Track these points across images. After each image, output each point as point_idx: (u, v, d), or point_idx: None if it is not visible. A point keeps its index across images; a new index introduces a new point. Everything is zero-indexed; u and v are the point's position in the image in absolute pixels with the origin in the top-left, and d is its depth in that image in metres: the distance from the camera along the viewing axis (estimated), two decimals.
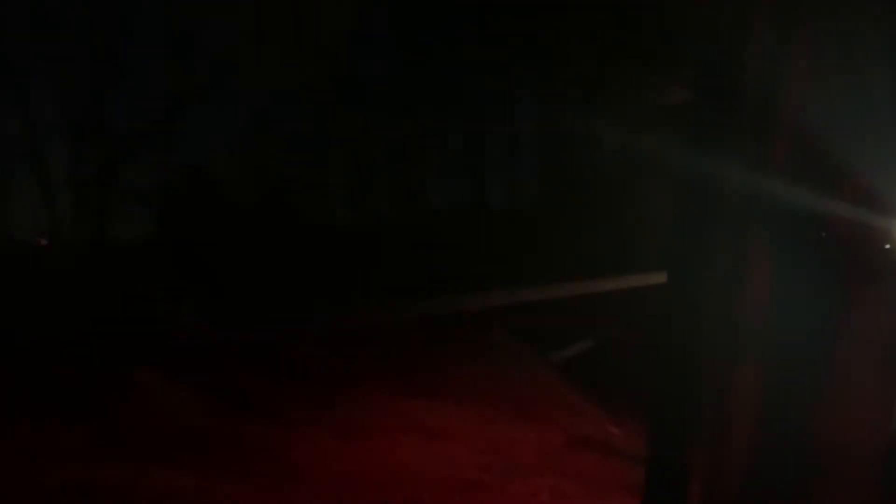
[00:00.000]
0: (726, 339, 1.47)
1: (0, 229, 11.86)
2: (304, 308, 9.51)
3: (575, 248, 11.65)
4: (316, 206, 13.02)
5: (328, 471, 4.59)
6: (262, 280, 10.00)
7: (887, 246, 1.40)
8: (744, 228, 1.46)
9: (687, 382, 1.48)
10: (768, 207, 1.43)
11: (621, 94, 10.97)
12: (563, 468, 4.72)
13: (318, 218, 12.90)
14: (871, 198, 1.39)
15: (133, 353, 7.31)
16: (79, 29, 11.34)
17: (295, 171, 12.87)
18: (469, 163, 13.76)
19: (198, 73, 11.79)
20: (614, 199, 11.82)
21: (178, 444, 5.02)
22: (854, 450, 1.42)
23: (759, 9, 1.46)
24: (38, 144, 11.50)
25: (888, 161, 1.42)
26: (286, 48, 10.86)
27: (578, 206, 12.61)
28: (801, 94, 1.41)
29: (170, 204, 12.58)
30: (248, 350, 7.91)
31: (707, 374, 1.47)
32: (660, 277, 1.73)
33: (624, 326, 7.93)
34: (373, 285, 10.17)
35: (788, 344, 1.42)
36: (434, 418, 5.65)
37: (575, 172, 13.11)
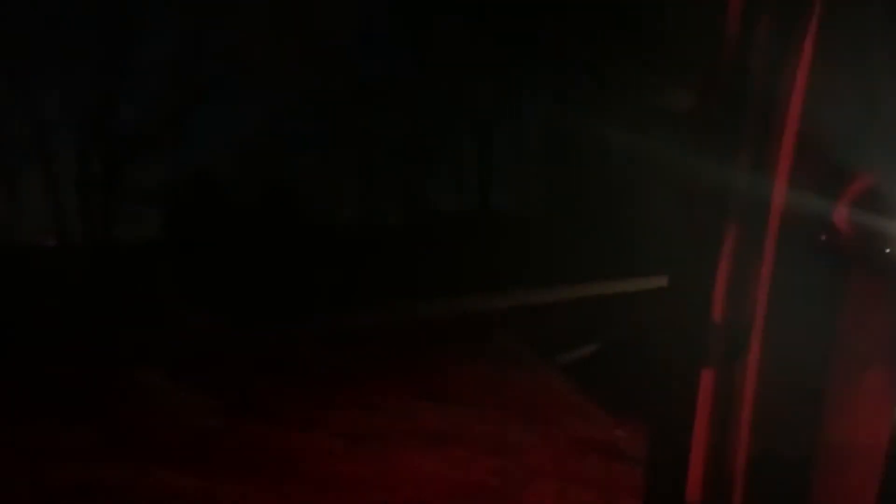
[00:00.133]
0: (727, 341, 1.43)
1: (8, 230, 11.91)
2: (308, 308, 9.53)
3: (580, 251, 11.63)
4: (320, 207, 13.04)
5: (331, 473, 4.56)
6: (267, 281, 10.01)
7: (888, 250, 1.37)
8: (745, 230, 1.42)
9: (687, 384, 1.44)
10: (771, 210, 1.39)
11: (627, 97, 10.96)
12: (569, 471, 4.68)
13: (322, 219, 12.92)
14: (877, 200, 1.36)
15: (136, 354, 7.33)
16: (87, 30, 11.37)
17: (300, 173, 12.89)
18: (473, 165, 13.77)
19: (204, 75, 11.81)
20: (620, 201, 11.81)
21: (180, 445, 5.02)
22: (855, 451, 1.38)
23: (763, 9, 1.42)
24: (45, 145, 11.54)
25: (894, 163, 1.38)
26: (292, 50, 10.87)
27: (584, 209, 12.61)
28: (805, 95, 1.37)
29: (175, 205, 12.62)
30: (252, 350, 7.92)
31: (705, 375, 1.44)
32: (664, 280, 1.69)
33: (629, 329, 7.90)
34: (377, 286, 10.17)
35: (789, 346, 1.38)
36: (438, 420, 5.62)
37: (580, 175, 13.10)
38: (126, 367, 6.70)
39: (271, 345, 8.21)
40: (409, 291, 10.33)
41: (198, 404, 5.91)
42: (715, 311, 1.41)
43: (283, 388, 6.56)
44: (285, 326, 8.91)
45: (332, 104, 12.43)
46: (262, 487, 4.30)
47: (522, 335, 8.80)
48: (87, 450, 4.83)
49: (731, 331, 1.39)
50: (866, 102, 1.39)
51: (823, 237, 1.35)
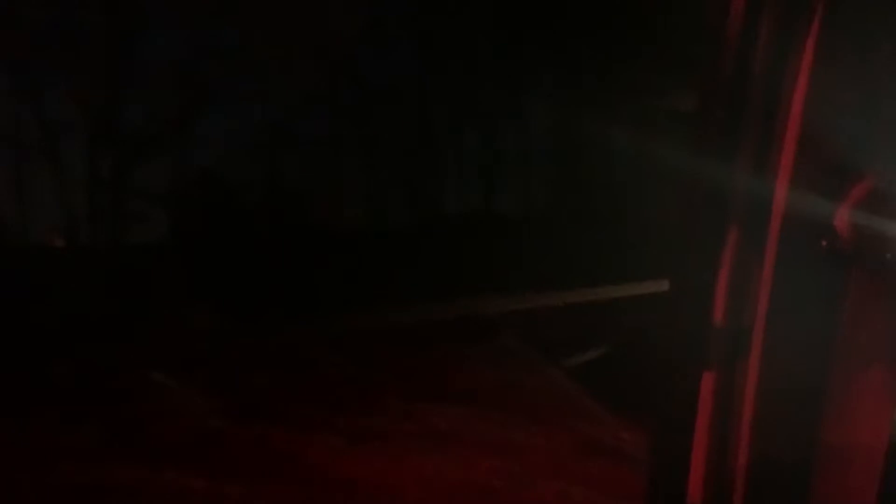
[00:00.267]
0: (729, 344, 1.43)
1: (17, 230, 11.96)
2: (313, 309, 9.53)
3: (586, 253, 11.60)
4: (328, 208, 13.06)
5: (336, 473, 4.57)
6: (275, 282, 10.03)
7: (889, 255, 1.35)
8: (746, 232, 1.42)
9: (687, 385, 1.44)
10: (772, 212, 1.38)
11: (631, 98, 10.94)
12: (573, 473, 4.67)
13: (330, 221, 12.94)
14: (880, 203, 1.35)
15: (143, 354, 7.36)
16: (95, 32, 11.43)
17: (307, 174, 12.91)
18: (478, 167, 13.77)
19: (211, 76, 11.86)
20: (626, 203, 11.79)
21: (186, 445, 5.04)
22: (856, 452, 1.37)
23: (764, 9, 1.41)
24: (54, 147, 11.60)
25: None
26: (297, 51, 10.89)
27: (589, 210, 12.58)
28: (807, 96, 1.37)
29: (183, 206, 12.66)
30: (257, 351, 7.94)
31: (706, 377, 1.43)
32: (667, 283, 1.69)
33: (636, 331, 7.87)
34: (381, 287, 10.17)
35: (790, 348, 1.38)
36: (444, 422, 5.62)
37: (585, 177, 13.08)
38: (132, 368, 6.72)
39: (276, 345, 8.23)
40: (414, 292, 10.33)
41: (203, 404, 5.93)
42: (716, 314, 1.40)
43: (288, 388, 6.58)
44: (290, 327, 8.93)
45: (337, 105, 12.46)
46: (268, 488, 4.31)
47: (528, 337, 8.79)
48: (94, 450, 4.86)
49: (732, 333, 1.38)
50: (869, 104, 1.38)
51: (824, 242, 1.34)
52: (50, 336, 7.86)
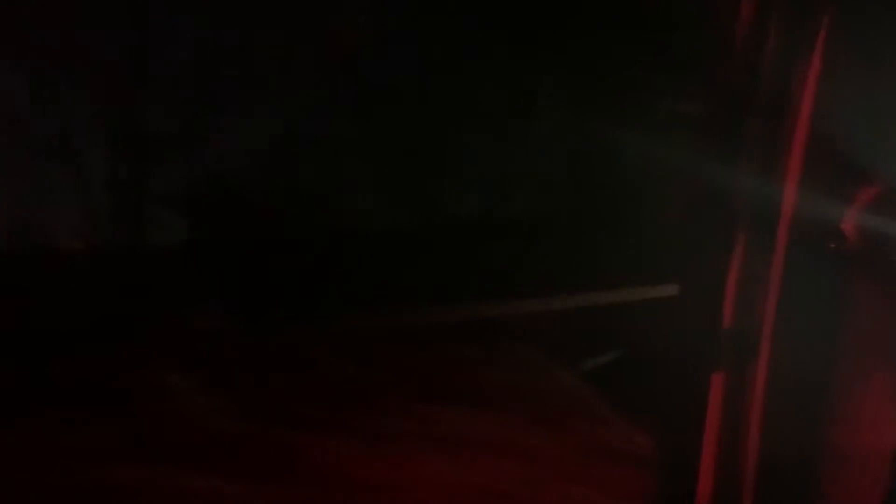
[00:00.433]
0: (736, 346, 1.44)
1: (36, 232, 12.08)
2: (322, 310, 9.54)
3: (599, 255, 11.56)
4: (336, 209, 13.09)
5: (348, 476, 4.59)
6: (282, 282, 10.06)
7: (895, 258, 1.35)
8: (755, 236, 1.43)
9: (697, 388, 1.45)
10: (780, 215, 1.39)
11: (644, 101, 10.91)
12: (587, 477, 4.67)
13: (338, 222, 12.96)
14: (888, 206, 1.34)
15: (159, 356, 7.40)
16: (113, 33, 11.52)
17: (316, 175, 12.95)
18: (489, 169, 13.75)
19: (228, 79, 11.92)
20: (639, 206, 11.73)
21: (200, 447, 5.05)
22: (862, 454, 1.37)
23: (772, 13, 1.42)
24: (73, 149, 11.70)
25: None
26: (310, 54, 10.94)
27: (601, 213, 12.54)
28: (815, 100, 1.37)
29: (202, 207, 12.75)
30: (266, 352, 7.95)
31: (716, 380, 1.44)
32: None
33: (648, 334, 7.83)
34: (393, 290, 10.17)
35: (798, 351, 1.38)
36: (454, 424, 5.61)
37: (598, 179, 13.04)
38: (147, 369, 6.76)
39: (282, 346, 8.25)
40: (422, 294, 10.31)
41: (209, 405, 5.95)
42: (724, 317, 1.40)
43: (301, 390, 6.59)
44: (297, 327, 8.95)
45: (347, 106, 12.49)
46: (273, 489, 4.33)
47: (541, 340, 8.77)
48: (108, 451, 4.87)
49: (739, 336, 1.39)
50: (876, 108, 1.38)
51: (832, 245, 1.34)
52: (59, 337, 7.93)
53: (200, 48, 11.89)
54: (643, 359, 7.32)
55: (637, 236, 11.56)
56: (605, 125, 11.60)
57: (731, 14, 1.44)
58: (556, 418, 5.86)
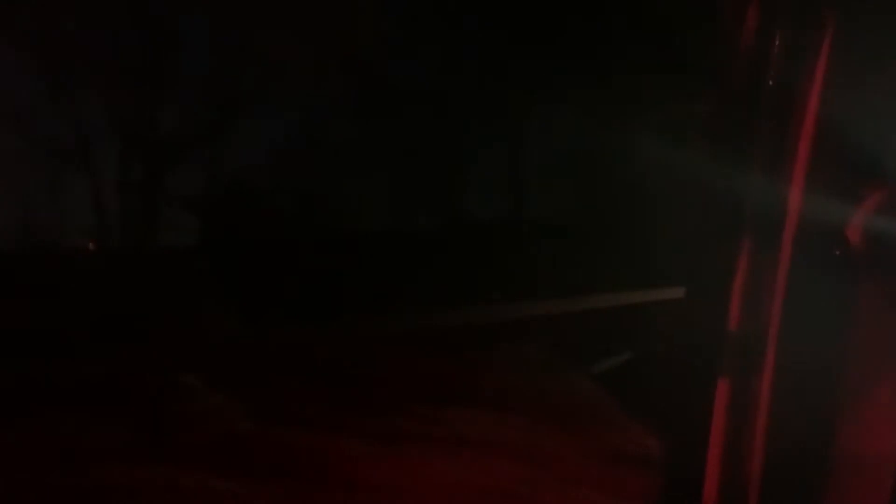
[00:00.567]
0: (743, 351, 1.43)
1: (49, 232, 12.16)
2: (342, 314, 9.57)
3: (613, 258, 11.53)
4: (354, 214, 13.12)
5: (360, 477, 4.59)
6: (302, 286, 10.09)
7: None
8: (761, 240, 1.42)
9: (702, 392, 1.45)
10: (787, 219, 1.38)
11: (658, 105, 10.87)
12: (599, 480, 4.66)
13: (355, 225, 13.00)
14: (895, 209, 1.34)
15: (170, 357, 7.44)
16: (128, 36, 11.61)
17: (333, 179, 12.98)
18: (505, 172, 13.75)
19: (243, 83, 11.99)
20: (652, 209, 11.68)
21: (212, 448, 5.08)
22: (868, 460, 1.36)
23: (779, 16, 1.41)
24: (87, 151, 11.77)
25: None
26: (326, 57, 10.97)
27: (615, 217, 12.50)
28: (823, 104, 1.36)
29: (214, 210, 12.80)
30: (282, 354, 7.98)
31: (721, 383, 1.43)
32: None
33: (662, 338, 7.80)
34: (409, 293, 10.19)
35: (804, 356, 1.37)
36: (467, 426, 5.61)
37: (611, 183, 13.01)
38: (159, 370, 6.80)
39: (300, 348, 8.28)
40: (439, 297, 10.33)
41: (228, 407, 5.98)
42: (731, 320, 1.40)
43: (313, 391, 6.61)
44: (316, 331, 8.98)
45: (364, 110, 12.53)
46: (292, 490, 4.35)
47: (554, 343, 8.76)
48: (121, 451, 4.92)
49: (746, 340, 1.38)
50: (883, 111, 1.37)
51: (839, 249, 1.33)
52: (77, 337, 7.98)
53: (214, 53, 11.98)
54: (651, 361, 7.32)
55: (646, 239, 11.54)
56: (616, 129, 11.59)
57: (737, 16, 1.44)
58: (564, 420, 5.85)
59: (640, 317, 9.26)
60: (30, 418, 5.47)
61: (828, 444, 1.35)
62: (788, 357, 1.37)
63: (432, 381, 7.12)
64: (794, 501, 1.39)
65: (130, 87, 11.39)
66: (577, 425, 5.76)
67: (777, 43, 1.41)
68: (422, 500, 4.28)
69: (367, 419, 5.80)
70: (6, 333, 7.69)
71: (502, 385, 7.09)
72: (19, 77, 11.20)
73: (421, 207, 13.86)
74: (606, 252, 11.58)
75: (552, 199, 13.99)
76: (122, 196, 11.70)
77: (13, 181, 11.45)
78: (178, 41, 11.57)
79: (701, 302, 1.53)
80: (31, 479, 4.43)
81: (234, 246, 11.88)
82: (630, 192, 12.37)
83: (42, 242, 11.67)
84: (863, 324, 1.34)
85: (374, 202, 13.43)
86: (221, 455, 4.93)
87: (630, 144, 11.03)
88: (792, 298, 1.37)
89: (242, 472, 4.57)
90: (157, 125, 11.70)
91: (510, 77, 12.71)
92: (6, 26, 10.52)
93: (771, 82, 1.43)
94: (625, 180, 12.53)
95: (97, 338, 7.95)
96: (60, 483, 4.38)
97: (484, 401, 6.39)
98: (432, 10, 12.71)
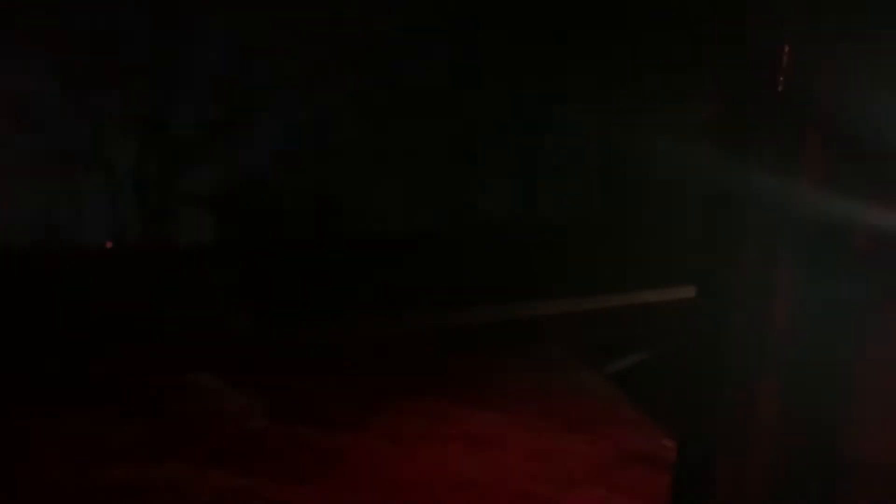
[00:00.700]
0: (752, 352, 1.43)
1: (68, 231, 12.24)
2: (355, 314, 9.60)
3: (627, 259, 11.50)
4: (368, 214, 13.14)
5: (377, 477, 4.60)
6: (316, 286, 10.12)
7: None
8: (772, 240, 1.42)
9: (714, 393, 1.45)
10: (800, 218, 1.38)
11: (673, 106, 10.84)
12: (614, 480, 4.65)
13: (369, 226, 13.02)
14: None
15: (189, 356, 7.48)
16: (144, 36, 11.68)
17: (348, 179, 13.00)
18: (519, 173, 13.74)
19: (258, 81, 12.03)
20: (666, 209, 11.65)
21: (229, 445, 5.10)
22: (879, 464, 1.36)
23: (792, 17, 1.41)
24: (104, 150, 11.86)
25: None
26: (341, 57, 11.00)
27: (629, 217, 12.48)
28: (838, 95, 1.36)
29: (228, 209, 12.85)
30: (301, 354, 8.02)
31: (733, 385, 1.43)
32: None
33: (677, 338, 7.78)
34: (422, 293, 10.21)
35: (815, 358, 1.37)
36: (483, 426, 5.62)
37: (625, 183, 12.98)
38: (176, 369, 6.84)
39: (316, 348, 8.31)
40: (453, 297, 10.34)
41: (245, 405, 6.01)
42: (740, 321, 1.40)
43: (328, 390, 6.64)
44: (331, 330, 9.01)
45: (378, 111, 12.55)
46: (308, 488, 4.36)
47: (569, 343, 8.75)
48: (138, 449, 4.94)
49: (756, 342, 1.38)
50: (891, 110, 1.37)
51: (852, 249, 1.33)
52: (94, 336, 8.03)
53: (229, 53, 12.02)
54: (666, 362, 7.30)
55: (660, 240, 11.52)
56: (629, 131, 11.58)
57: (750, 19, 1.43)
58: (587, 421, 5.84)
59: (656, 317, 9.26)
60: (44, 417, 5.51)
61: (836, 450, 1.35)
62: (798, 357, 1.37)
63: (447, 380, 7.14)
64: (807, 501, 1.39)
65: (146, 86, 11.48)
66: (592, 425, 5.76)
67: (790, 42, 1.41)
68: (436, 499, 4.29)
69: (382, 417, 5.82)
70: (22, 331, 7.76)
71: (518, 385, 7.11)
72: (37, 78, 11.30)
73: (435, 207, 13.86)
74: (624, 253, 11.57)
75: (563, 200, 13.98)
76: (138, 194, 11.79)
77: (31, 180, 11.57)
78: (194, 40, 11.63)
79: (711, 302, 1.53)
80: (45, 477, 4.47)
81: (249, 244, 11.93)
82: (642, 192, 12.35)
83: (59, 240, 11.77)
84: (872, 324, 1.34)
85: (387, 202, 13.44)
86: (237, 453, 4.95)
87: (642, 145, 11.01)
88: (801, 299, 1.37)
89: (258, 470, 4.60)
90: (172, 124, 11.78)
91: (530, 77, 12.70)
92: (24, 27, 10.63)
93: (784, 81, 1.43)
94: (637, 181, 12.50)
95: (112, 336, 8.01)
96: (75, 482, 4.40)
97: (499, 400, 6.40)
98: (446, 12, 12.72)
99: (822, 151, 1.39)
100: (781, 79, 1.42)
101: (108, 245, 12.33)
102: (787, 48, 1.42)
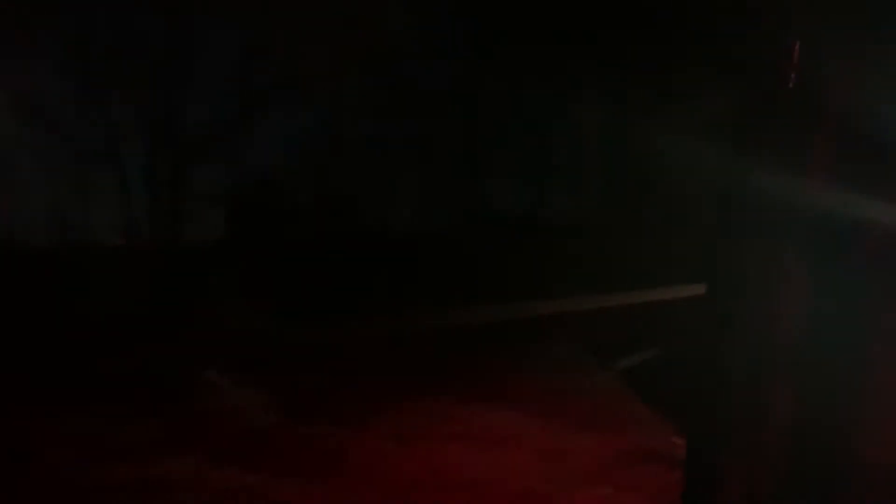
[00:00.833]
0: (762, 351, 1.42)
1: (80, 229, 12.30)
2: (365, 313, 9.62)
3: (638, 256, 11.47)
4: (377, 212, 13.14)
5: (386, 475, 4.61)
6: (325, 284, 10.14)
7: None
8: (782, 239, 1.41)
9: (722, 390, 1.44)
10: (808, 219, 1.37)
11: (684, 103, 10.79)
12: (621, 479, 4.63)
13: (380, 224, 13.02)
14: None
15: (200, 354, 7.51)
16: (154, 35, 11.72)
17: (357, 177, 13.01)
18: (530, 171, 13.71)
19: (267, 79, 12.05)
20: (675, 208, 11.60)
21: (238, 443, 5.13)
22: (885, 463, 1.35)
23: (804, 15, 1.40)
24: (116, 148, 11.91)
25: None
26: (351, 54, 11.00)
27: (640, 215, 12.43)
28: (849, 93, 1.35)
29: (239, 207, 12.88)
30: (310, 352, 8.04)
31: (743, 384, 1.42)
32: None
33: (685, 335, 7.74)
34: (431, 291, 10.22)
35: (824, 357, 1.36)
36: (492, 424, 5.62)
37: (637, 181, 12.93)
38: (189, 366, 6.87)
39: (326, 346, 8.32)
40: (463, 295, 10.34)
41: (255, 403, 6.04)
42: (751, 319, 1.39)
43: (337, 388, 6.66)
44: (342, 327, 9.02)
45: (388, 108, 12.55)
46: (318, 486, 4.38)
47: (578, 340, 8.73)
48: (150, 446, 4.98)
49: (767, 341, 1.37)
50: None
51: (866, 247, 1.31)
52: (106, 333, 8.08)
53: (240, 51, 12.04)
54: (675, 360, 7.28)
55: (669, 238, 11.48)
56: (653, 127, 11.52)
57: (762, 17, 1.42)
58: (597, 419, 5.83)
59: (666, 314, 9.22)
60: (57, 413, 5.55)
61: (845, 442, 1.34)
62: (806, 356, 1.36)
63: (456, 378, 7.14)
64: (815, 498, 1.38)
65: (158, 84, 11.52)
66: (602, 423, 5.74)
67: (802, 39, 1.40)
68: (440, 497, 4.29)
69: (390, 414, 5.83)
70: (35, 328, 7.82)
71: (527, 383, 7.09)
72: (51, 78, 11.36)
73: (445, 206, 13.85)
74: (630, 249, 11.52)
75: (573, 197, 13.95)
76: (149, 192, 11.84)
77: (44, 178, 11.64)
78: (206, 38, 11.66)
79: (719, 300, 1.52)
80: (59, 473, 4.50)
81: (259, 243, 11.96)
82: (650, 190, 12.31)
83: (72, 238, 11.83)
84: (879, 322, 1.33)
85: (398, 200, 13.44)
86: (247, 449, 4.98)
87: (652, 144, 10.97)
88: (809, 298, 1.36)
89: (268, 467, 4.62)
90: (184, 122, 11.82)
91: (539, 76, 12.68)
92: (36, 27, 10.69)
93: (797, 78, 1.42)
94: (647, 179, 12.46)
95: (123, 334, 8.05)
96: (89, 478, 4.44)
97: (507, 398, 6.39)
98: (456, 8, 12.71)
99: (831, 150, 1.38)
100: (793, 76, 1.42)
101: (121, 241, 12.40)
102: (798, 46, 1.41)
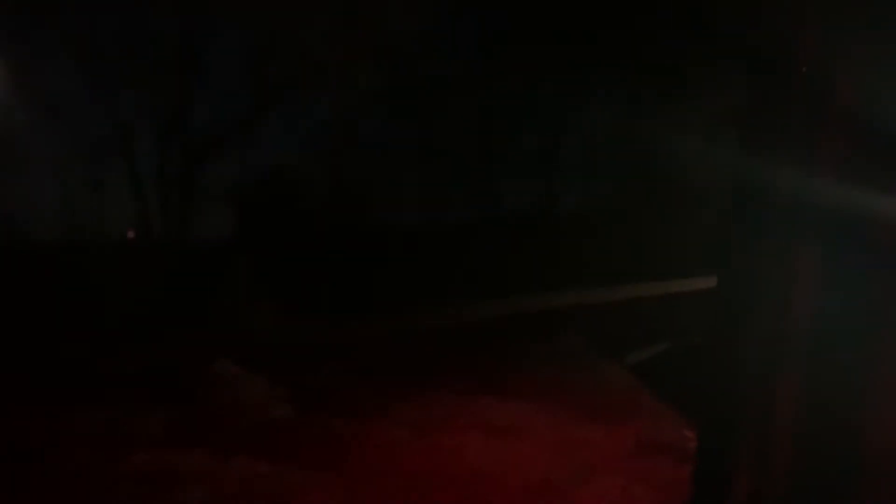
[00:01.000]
0: (773, 346, 1.43)
1: (90, 224, 12.37)
2: (377, 307, 9.65)
3: (648, 250, 11.46)
4: (389, 207, 13.17)
5: (397, 467, 4.64)
6: (337, 279, 10.18)
7: None
8: (792, 235, 1.42)
9: (734, 384, 1.45)
10: (819, 214, 1.38)
11: (694, 99, 10.76)
12: (634, 471, 4.65)
13: (390, 219, 13.06)
14: None
15: (211, 347, 7.56)
16: (165, 31, 11.77)
17: (367, 173, 13.04)
18: (540, 166, 13.71)
19: (278, 76, 12.09)
20: (687, 202, 11.58)
21: (253, 434, 5.18)
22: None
23: (814, 10, 1.42)
24: (127, 145, 11.97)
25: None
26: (362, 51, 11.01)
27: (651, 210, 12.42)
28: (859, 88, 1.36)
29: (249, 203, 12.94)
30: (322, 346, 8.08)
31: (753, 378, 1.44)
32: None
33: (697, 329, 7.75)
34: (443, 286, 10.25)
35: (835, 352, 1.37)
36: (504, 417, 5.64)
37: (647, 175, 12.91)
38: (201, 360, 6.91)
39: (338, 340, 8.36)
40: (473, 290, 10.36)
41: (269, 395, 6.08)
42: (761, 317, 1.41)
43: (350, 381, 6.70)
44: (352, 322, 9.06)
45: (397, 105, 12.56)
46: (332, 475, 4.41)
47: (590, 334, 8.74)
48: (165, 437, 5.03)
49: (777, 335, 1.38)
50: None
51: (875, 241, 1.33)
52: (120, 327, 8.14)
53: (252, 50, 12.07)
54: (687, 353, 7.28)
55: (681, 232, 11.47)
56: (662, 122, 11.50)
57: (773, 14, 1.44)
58: (607, 412, 5.84)
59: (677, 308, 9.22)
60: (72, 405, 5.60)
61: (856, 437, 1.36)
62: (817, 350, 1.38)
63: (467, 371, 7.16)
64: (824, 493, 1.40)
65: (169, 83, 11.58)
66: (613, 415, 5.76)
67: (811, 34, 1.41)
68: (454, 486, 4.31)
69: (402, 407, 5.86)
70: (48, 321, 7.88)
71: (538, 375, 7.11)
72: (64, 75, 11.45)
73: (455, 201, 13.87)
74: (641, 244, 11.53)
75: (583, 194, 13.96)
76: (160, 189, 11.91)
77: (56, 175, 11.74)
78: (217, 38, 11.71)
79: (731, 293, 1.54)
80: (75, 464, 4.55)
81: (271, 238, 12.01)
82: (663, 185, 12.29)
83: (83, 233, 11.91)
84: (891, 317, 1.34)
85: (409, 198, 13.47)
86: (262, 440, 5.02)
87: (663, 139, 10.95)
88: (820, 292, 1.37)
89: (283, 457, 4.66)
90: (195, 120, 11.88)
91: (552, 70, 12.65)
92: (49, 25, 10.76)
93: (806, 73, 1.43)
94: (658, 174, 12.44)
95: (139, 326, 8.11)
96: (105, 468, 4.48)
97: (520, 391, 6.41)
98: (467, 6, 12.69)
99: (842, 145, 1.39)
100: (803, 71, 1.43)
101: (130, 235, 12.47)
102: (808, 39, 1.42)
